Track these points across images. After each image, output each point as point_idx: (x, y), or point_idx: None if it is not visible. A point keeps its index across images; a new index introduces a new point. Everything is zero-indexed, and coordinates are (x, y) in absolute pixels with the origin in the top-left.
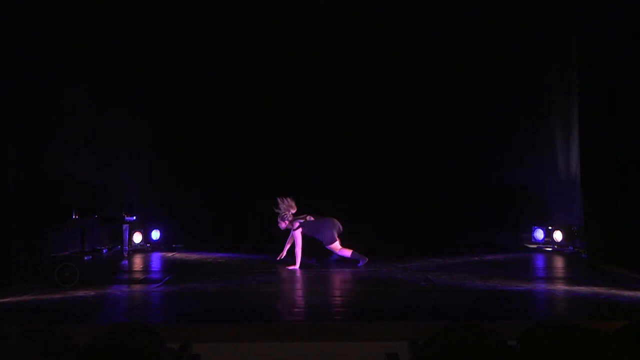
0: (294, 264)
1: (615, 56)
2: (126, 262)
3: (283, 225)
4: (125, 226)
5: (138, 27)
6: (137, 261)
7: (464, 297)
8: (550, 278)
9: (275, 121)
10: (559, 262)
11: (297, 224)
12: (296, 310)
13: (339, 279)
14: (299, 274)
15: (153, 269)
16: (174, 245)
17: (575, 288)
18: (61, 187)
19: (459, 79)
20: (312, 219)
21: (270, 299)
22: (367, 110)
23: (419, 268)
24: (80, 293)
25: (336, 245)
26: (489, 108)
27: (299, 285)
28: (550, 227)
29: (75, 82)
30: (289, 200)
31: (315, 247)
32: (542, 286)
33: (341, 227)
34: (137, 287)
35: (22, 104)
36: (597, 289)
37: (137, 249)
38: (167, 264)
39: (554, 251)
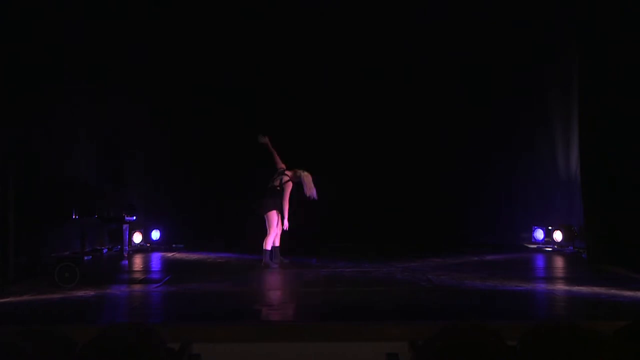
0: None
1: (615, 56)
2: (126, 262)
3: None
4: (125, 226)
5: (138, 26)
6: (137, 261)
7: (464, 297)
8: (550, 278)
9: (275, 121)
10: (559, 262)
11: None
12: (295, 310)
13: (338, 279)
14: (298, 274)
15: (153, 269)
16: (174, 245)
17: (575, 288)
18: (61, 187)
19: (459, 79)
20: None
21: (270, 299)
22: (367, 110)
23: (419, 268)
24: (80, 293)
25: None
26: (489, 108)
27: (298, 285)
28: (550, 227)
29: (75, 82)
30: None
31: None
32: (542, 286)
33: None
34: (137, 287)
35: (22, 104)
36: (597, 289)
37: (137, 249)
38: (167, 264)
39: (554, 251)
